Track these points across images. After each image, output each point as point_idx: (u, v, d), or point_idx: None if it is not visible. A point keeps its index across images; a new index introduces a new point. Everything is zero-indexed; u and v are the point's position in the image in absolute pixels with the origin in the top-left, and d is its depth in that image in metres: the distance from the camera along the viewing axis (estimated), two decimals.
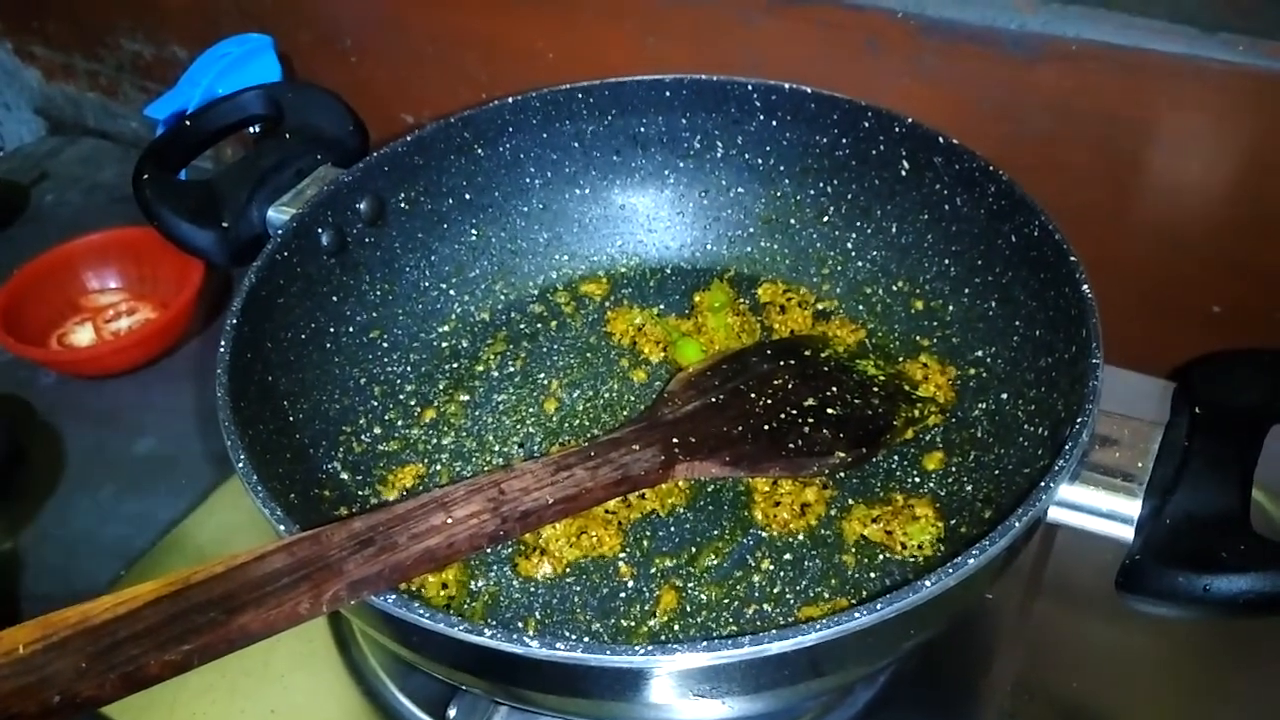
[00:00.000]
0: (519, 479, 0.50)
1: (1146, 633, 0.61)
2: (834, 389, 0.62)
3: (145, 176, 0.67)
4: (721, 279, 0.73)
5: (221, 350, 0.54)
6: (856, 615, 0.41)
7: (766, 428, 0.59)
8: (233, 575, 0.41)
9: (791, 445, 0.58)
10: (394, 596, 0.43)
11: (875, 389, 0.63)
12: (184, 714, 0.58)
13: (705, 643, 0.40)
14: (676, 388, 0.62)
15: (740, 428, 0.58)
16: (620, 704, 0.45)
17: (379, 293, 0.68)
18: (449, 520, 0.46)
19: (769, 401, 0.60)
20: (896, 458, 0.61)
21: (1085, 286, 0.53)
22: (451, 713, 0.53)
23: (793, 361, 0.64)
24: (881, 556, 0.57)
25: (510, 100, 0.70)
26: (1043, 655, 0.60)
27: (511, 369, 0.69)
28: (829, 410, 0.60)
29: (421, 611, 0.42)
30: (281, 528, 0.45)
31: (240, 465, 0.48)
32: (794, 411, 0.60)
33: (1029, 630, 0.62)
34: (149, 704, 0.59)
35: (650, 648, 0.40)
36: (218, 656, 0.40)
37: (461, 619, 0.41)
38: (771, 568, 0.57)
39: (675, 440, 0.56)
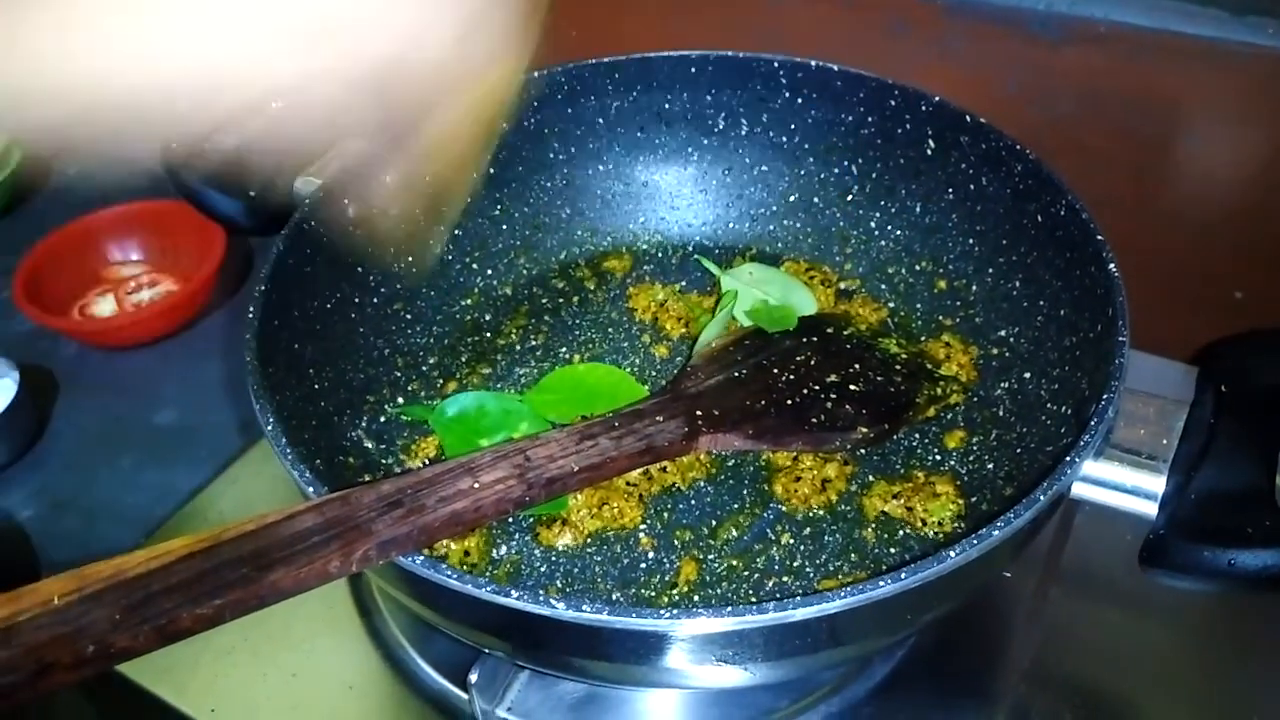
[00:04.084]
0: (544, 446, 0.50)
1: (1164, 615, 0.62)
2: (856, 366, 0.62)
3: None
4: (744, 257, 0.73)
5: (250, 316, 0.54)
6: (880, 584, 0.41)
7: (789, 402, 0.59)
8: (264, 533, 0.42)
9: (814, 420, 0.58)
10: (421, 558, 0.43)
11: (898, 367, 0.63)
12: (206, 675, 0.59)
13: (730, 608, 0.40)
14: (699, 361, 0.62)
15: (763, 402, 0.59)
16: (642, 668, 0.45)
17: (403, 264, 0.68)
18: (476, 485, 0.47)
19: (792, 377, 0.60)
20: (918, 435, 0.61)
21: (1112, 265, 0.53)
22: (473, 677, 0.53)
23: (815, 339, 0.64)
24: (901, 532, 0.57)
25: (535, 74, 0.70)
26: (1060, 636, 0.61)
27: (533, 343, 0.69)
28: (851, 387, 0.60)
29: (449, 573, 0.42)
30: (310, 489, 0.46)
31: (269, 428, 0.49)
32: (816, 387, 0.60)
33: (1046, 612, 0.62)
34: (171, 665, 0.59)
35: (675, 611, 0.40)
36: (249, 612, 0.40)
37: (488, 581, 0.42)
38: (791, 541, 0.57)
39: (699, 413, 0.56)
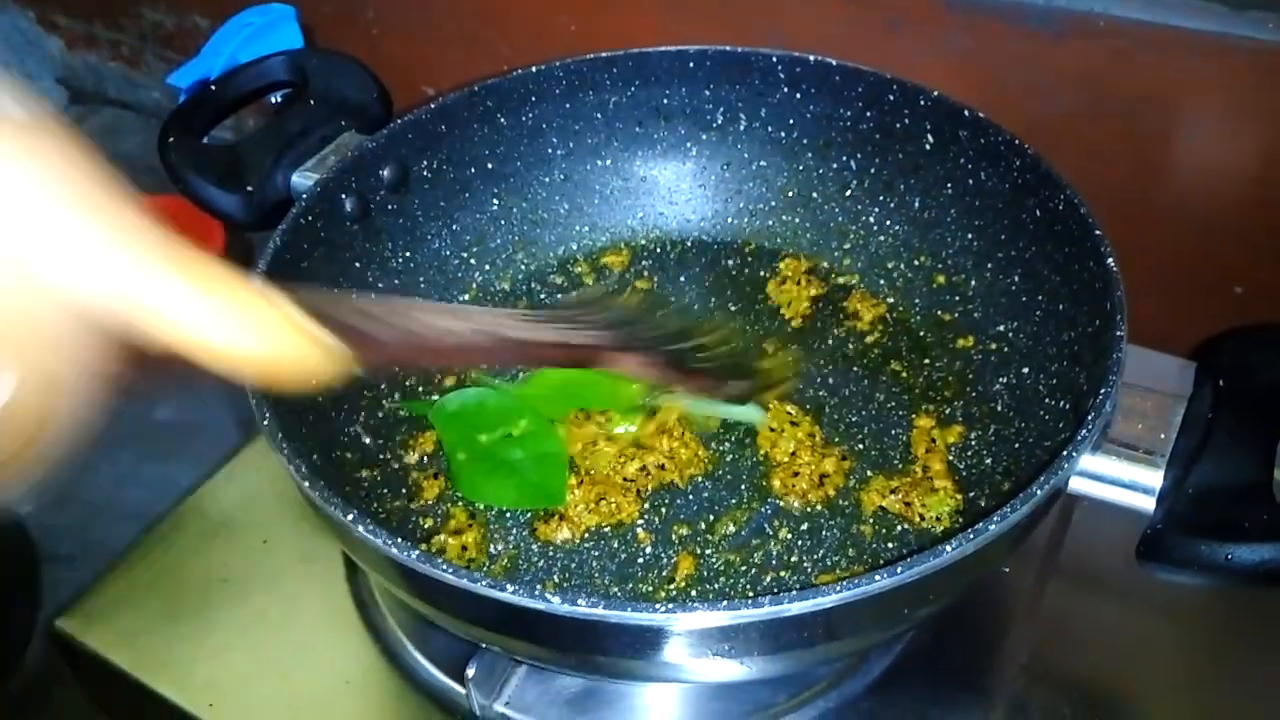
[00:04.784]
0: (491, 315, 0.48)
1: (1161, 610, 0.61)
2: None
3: (171, 140, 0.67)
4: (743, 251, 0.73)
5: None
6: (877, 579, 0.41)
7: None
8: None
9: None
10: (418, 552, 0.43)
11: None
12: (205, 671, 0.59)
13: (727, 602, 0.40)
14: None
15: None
16: (640, 663, 0.45)
17: (401, 260, 0.68)
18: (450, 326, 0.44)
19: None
20: (915, 430, 0.61)
21: (1110, 260, 0.53)
22: (470, 672, 0.53)
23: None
24: (899, 527, 0.57)
25: (534, 69, 0.70)
26: (1058, 631, 0.61)
27: None
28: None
29: (446, 567, 0.42)
30: (306, 484, 0.46)
31: (266, 424, 0.49)
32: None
33: (1044, 607, 0.62)
34: (170, 660, 0.59)
35: (671, 605, 0.40)
36: None
37: (484, 576, 0.42)
38: (789, 536, 0.57)
39: (620, 334, 0.52)
